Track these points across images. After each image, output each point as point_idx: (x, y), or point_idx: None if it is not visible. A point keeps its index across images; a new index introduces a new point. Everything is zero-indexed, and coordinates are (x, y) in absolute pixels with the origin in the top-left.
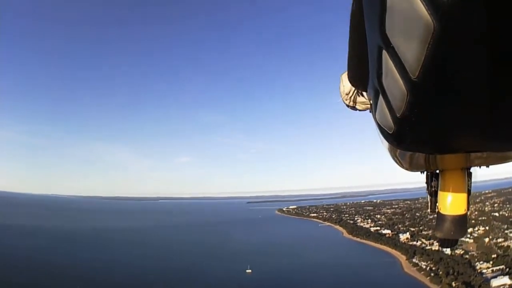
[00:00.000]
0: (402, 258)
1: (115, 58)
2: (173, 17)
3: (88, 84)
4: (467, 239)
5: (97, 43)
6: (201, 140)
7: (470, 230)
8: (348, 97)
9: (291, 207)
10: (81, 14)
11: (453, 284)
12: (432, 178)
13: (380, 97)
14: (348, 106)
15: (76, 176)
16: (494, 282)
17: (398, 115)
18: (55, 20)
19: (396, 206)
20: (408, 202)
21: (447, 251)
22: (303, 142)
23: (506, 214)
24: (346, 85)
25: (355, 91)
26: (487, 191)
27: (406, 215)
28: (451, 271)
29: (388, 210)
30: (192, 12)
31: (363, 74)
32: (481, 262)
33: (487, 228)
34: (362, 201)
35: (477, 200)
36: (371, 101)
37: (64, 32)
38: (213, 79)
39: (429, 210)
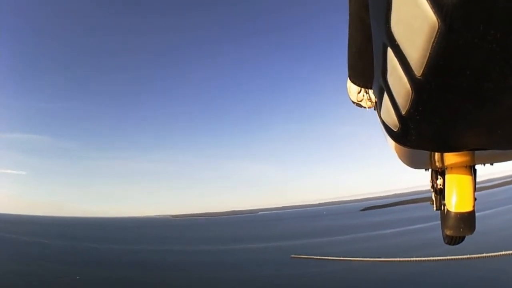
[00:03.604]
0: None
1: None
2: None
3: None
4: None
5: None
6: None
7: None
8: (354, 94)
9: None
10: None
11: None
12: (436, 176)
13: (385, 94)
14: (354, 103)
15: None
16: None
17: (402, 113)
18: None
19: None
20: None
21: None
22: None
23: None
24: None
25: (362, 89)
26: None
27: None
28: None
29: None
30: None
31: (365, 71)
32: None
33: None
34: None
35: None
36: (376, 99)
37: None
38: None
39: (434, 208)
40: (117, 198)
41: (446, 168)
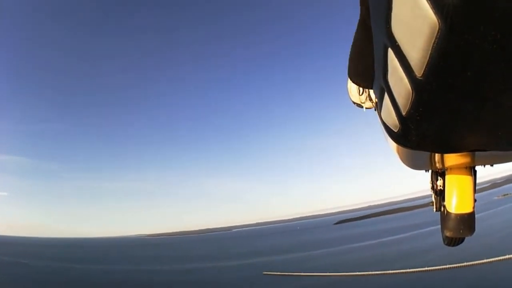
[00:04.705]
0: None
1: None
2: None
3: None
4: None
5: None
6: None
7: None
8: (355, 95)
9: None
10: None
11: None
12: (437, 177)
13: (386, 95)
14: (354, 103)
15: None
16: None
17: (403, 114)
18: None
19: None
20: None
21: None
22: None
23: None
24: (353, 83)
25: (362, 89)
26: None
27: None
28: None
29: None
30: None
31: (365, 72)
32: None
33: None
34: None
35: None
36: (376, 99)
37: None
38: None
39: (434, 209)
40: (95, 218)
41: (446, 169)
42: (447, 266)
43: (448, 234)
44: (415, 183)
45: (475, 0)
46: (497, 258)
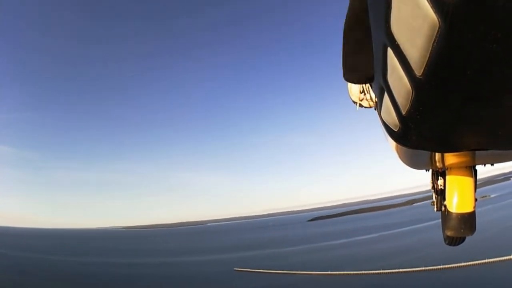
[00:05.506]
0: None
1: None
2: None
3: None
4: None
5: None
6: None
7: None
8: (355, 95)
9: None
10: None
11: None
12: (437, 177)
13: (385, 94)
14: (354, 103)
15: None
16: None
17: (403, 113)
18: None
19: None
20: None
21: None
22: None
23: None
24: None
25: (363, 89)
26: None
27: None
28: None
29: None
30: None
31: (358, 68)
32: None
33: None
34: None
35: None
36: (376, 99)
37: None
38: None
39: (435, 209)
40: (74, 209)
41: (447, 169)
42: (420, 268)
43: (449, 233)
44: (391, 183)
45: None
46: (476, 262)
